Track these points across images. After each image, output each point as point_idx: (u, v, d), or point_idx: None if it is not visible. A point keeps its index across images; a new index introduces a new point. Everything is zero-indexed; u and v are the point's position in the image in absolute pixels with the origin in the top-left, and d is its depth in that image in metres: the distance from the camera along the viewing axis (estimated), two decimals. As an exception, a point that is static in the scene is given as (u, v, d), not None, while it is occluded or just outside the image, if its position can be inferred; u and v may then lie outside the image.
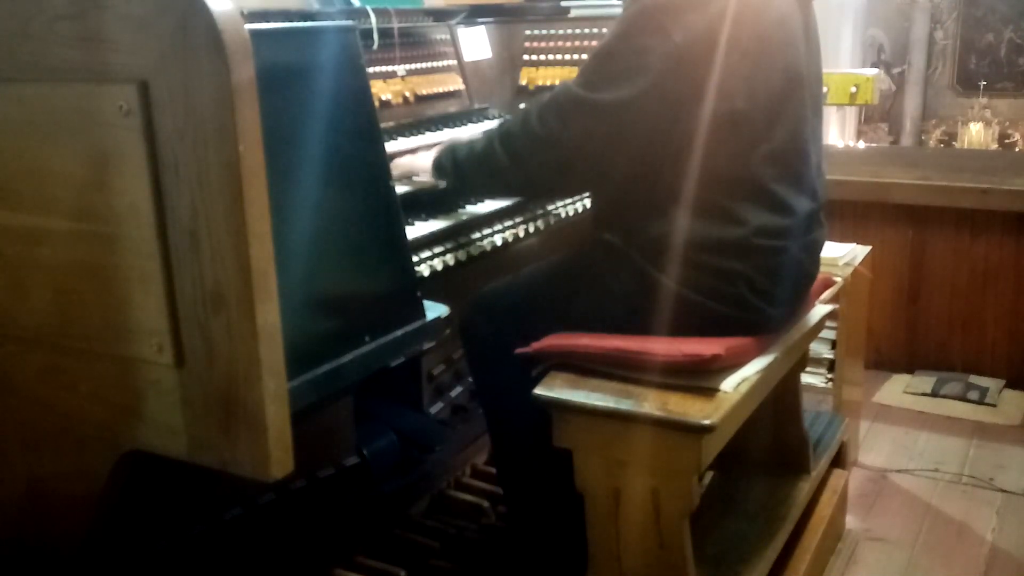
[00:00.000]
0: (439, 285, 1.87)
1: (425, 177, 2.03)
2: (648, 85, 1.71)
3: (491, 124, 2.42)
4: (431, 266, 1.90)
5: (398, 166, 2.05)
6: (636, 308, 1.83)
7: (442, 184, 2.04)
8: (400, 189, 1.93)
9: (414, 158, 2.06)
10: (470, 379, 2.23)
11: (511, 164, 1.84)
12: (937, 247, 3.71)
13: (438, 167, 1.98)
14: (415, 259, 1.84)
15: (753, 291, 1.80)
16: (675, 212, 1.78)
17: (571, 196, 2.35)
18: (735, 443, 1.91)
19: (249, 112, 1.12)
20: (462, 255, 1.98)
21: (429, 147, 2.10)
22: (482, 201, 2.16)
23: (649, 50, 1.71)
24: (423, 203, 2.06)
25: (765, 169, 1.79)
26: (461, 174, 1.95)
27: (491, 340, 1.97)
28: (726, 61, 1.72)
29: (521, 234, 2.17)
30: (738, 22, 1.72)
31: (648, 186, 1.81)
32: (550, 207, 2.32)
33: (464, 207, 2.12)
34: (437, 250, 1.95)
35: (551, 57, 2.73)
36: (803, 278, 1.97)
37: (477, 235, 2.07)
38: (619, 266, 1.85)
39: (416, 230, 1.94)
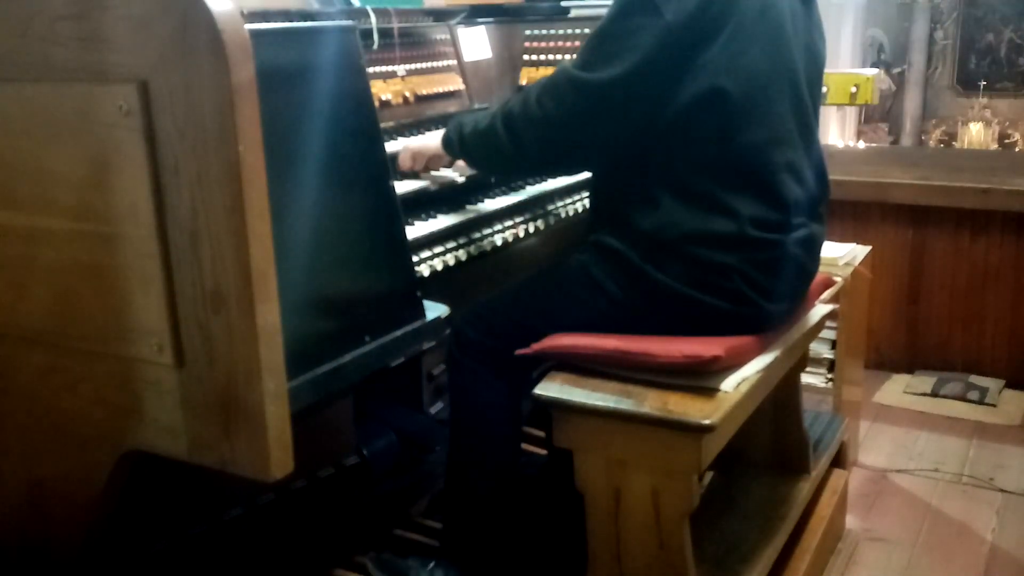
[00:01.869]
0: (439, 285, 1.87)
1: (436, 164, 2.05)
2: (639, 63, 1.73)
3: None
4: (431, 266, 1.90)
5: (408, 150, 2.06)
6: (634, 307, 1.84)
7: (447, 181, 2.05)
8: (401, 189, 1.93)
9: (424, 140, 2.07)
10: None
11: (511, 143, 1.87)
12: (937, 247, 3.71)
13: (447, 142, 2.01)
14: (415, 259, 1.84)
15: (749, 285, 1.80)
16: (668, 204, 1.78)
17: (570, 175, 2.35)
18: (735, 443, 1.91)
19: (249, 112, 1.12)
20: (462, 255, 1.98)
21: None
22: (484, 201, 2.16)
23: (640, 29, 1.73)
24: (424, 202, 2.06)
25: (755, 157, 1.79)
26: (467, 150, 1.98)
27: (486, 349, 1.96)
28: (715, 42, 1.73)
29: (521, 234, 2.17)
30: (729, 3, 1.74)
31: (641, 173, 1.82)
32: (550, 207, 2.32)
33: (465, 207, 2.12)
34: (437, 250, 1.95)
35: (551, 57, 2.73)
36: (801, 275, 1.97)
37: (477, 235, 2.07)
38: (615, 266, 1.85)
39: (416, 230, 1.94)
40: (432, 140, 2.05)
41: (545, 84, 1.83)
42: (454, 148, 1.99)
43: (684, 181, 1.78)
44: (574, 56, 2.68)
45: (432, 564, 2.01)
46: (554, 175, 2.33)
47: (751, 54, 1.77)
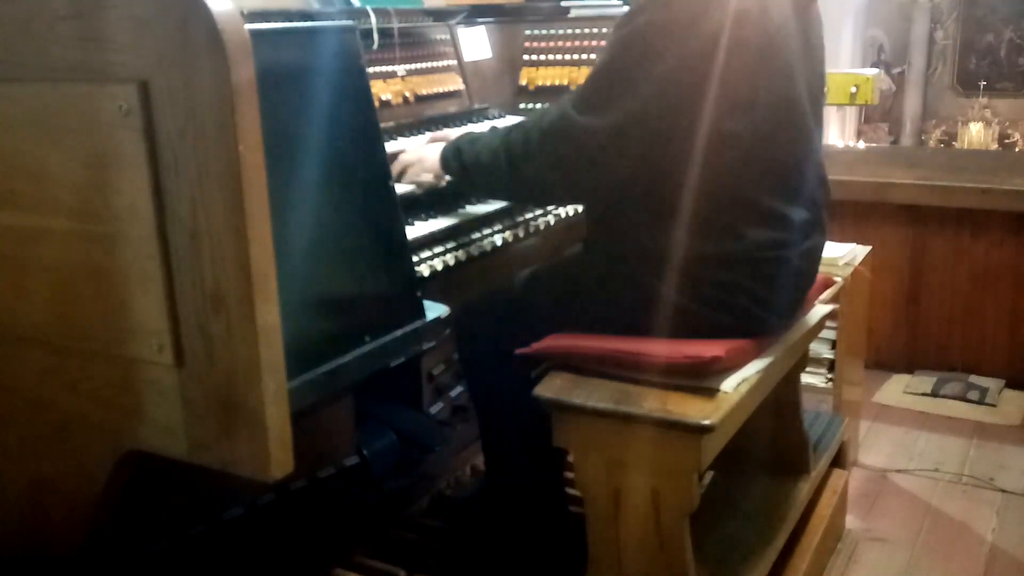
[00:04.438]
0: (439, 285, 1.87)
1: (429, 177, 2.03)
2: (639, 108, 1.71)
3: (491, 124, 2.42)
4: (431, 266, 1.90)
5: (408, 172, 2.05)
6: (636, 315, 1.83)
7: (443, 183, 2.05)
8: (401, 189, 1.93)
9: (421, 160, 2.05)
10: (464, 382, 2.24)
11: (515, 182, 1.88)
12: (937, 247, 3.71)
13: (445, 165, 1.99)
14: (415, 259, 1.84)
15: (755, 301, 1.81)
16: (671, 226, 1.78)
17: (574, 205, 2.35)
18: (735, 443, 1.90)
19: (249, 112, 1.12)
20: (462, 255, 1.98)
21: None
22: (484, 202, 2.16)
23: (640, 73, 1.71)
24: (423, 203, 2.06)
25: (758, 188, 1.79)
26: (466, 176, 1.97)
27: (488, 344, 1.97)
28: (717, 83, 1.71)
29: (521, 234, 2.17)
30: (731, 43, 1.71)
31: (644, 201, 1.81)
32: (550, 207, 2.32)
33: (464, 207, 2.12)
34: (437, 250, 1.95)
35: (551, 57, 2.73)
36: (803, 282, 1.98)
37: (477, 235, 2.07)
38: (618, 273, 1.85)
39: (416, 230, 1.94)
40: (430, 158, 2.02)
41: (547, 127, 1.80)
42: (454, 174, 1.99)
43: (688, 209, 1.77)
44: (572, 55, 2.74)
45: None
46: (561, 206, 2.34)
47: (754, 93, 1.75)
